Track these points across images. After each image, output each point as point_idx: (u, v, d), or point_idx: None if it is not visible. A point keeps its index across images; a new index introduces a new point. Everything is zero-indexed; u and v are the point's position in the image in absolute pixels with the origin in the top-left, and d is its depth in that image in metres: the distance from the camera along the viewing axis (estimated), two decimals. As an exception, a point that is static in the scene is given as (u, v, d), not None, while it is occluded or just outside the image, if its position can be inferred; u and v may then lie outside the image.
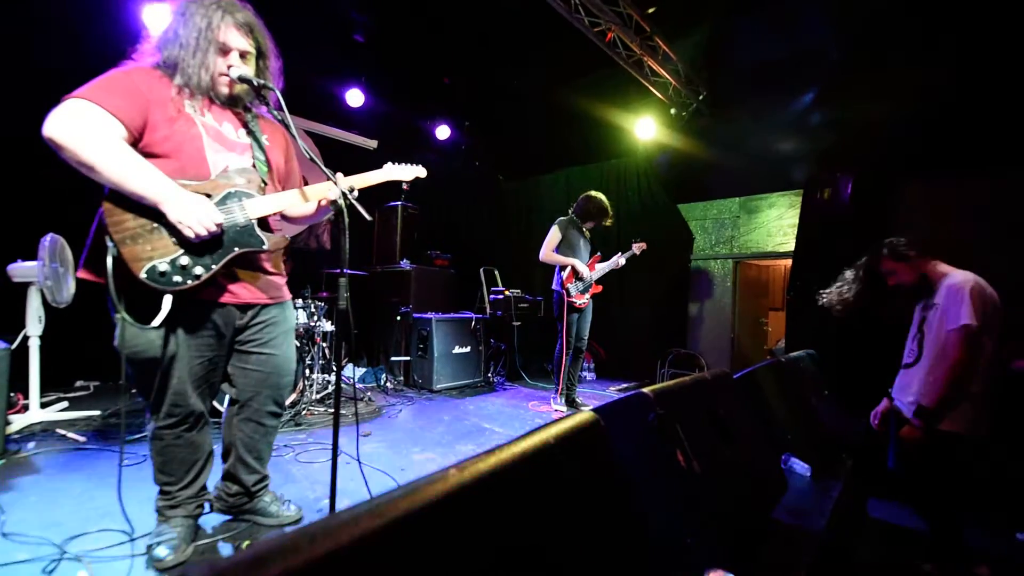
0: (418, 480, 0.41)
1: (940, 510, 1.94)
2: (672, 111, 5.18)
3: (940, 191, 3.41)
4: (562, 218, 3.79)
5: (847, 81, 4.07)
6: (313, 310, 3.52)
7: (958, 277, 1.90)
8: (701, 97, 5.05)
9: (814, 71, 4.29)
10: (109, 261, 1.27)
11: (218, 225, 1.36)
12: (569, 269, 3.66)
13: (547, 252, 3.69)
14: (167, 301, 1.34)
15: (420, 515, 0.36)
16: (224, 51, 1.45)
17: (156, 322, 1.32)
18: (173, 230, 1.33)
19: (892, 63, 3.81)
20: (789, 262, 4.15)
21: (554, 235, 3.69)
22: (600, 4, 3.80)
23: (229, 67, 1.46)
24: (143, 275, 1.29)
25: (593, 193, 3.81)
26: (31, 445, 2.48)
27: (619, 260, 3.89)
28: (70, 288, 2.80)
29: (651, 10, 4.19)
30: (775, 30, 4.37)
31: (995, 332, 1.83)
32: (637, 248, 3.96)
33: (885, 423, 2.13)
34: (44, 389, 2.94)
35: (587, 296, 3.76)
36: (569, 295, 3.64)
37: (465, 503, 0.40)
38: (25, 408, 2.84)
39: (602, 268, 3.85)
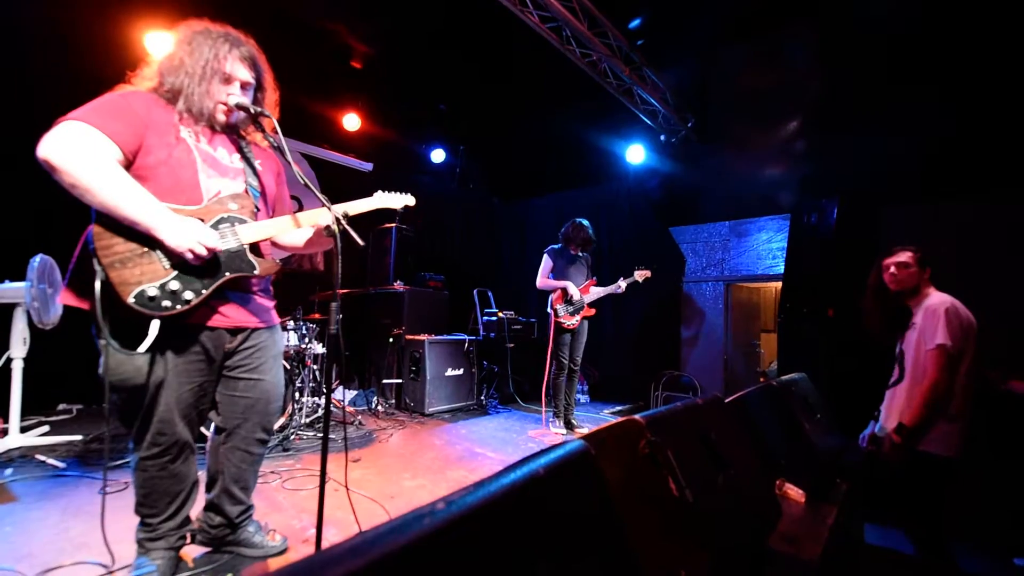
0: (404, 516, 0.40)
1: (927, 532, 1.94)
2: (662, 137, 5.32)
3: (922, 215, 3.50)
4: (552, 246, 3.97)
5: (832, 110, 4.21)
6: (304, 332, 3.49)
7: (936, 299, 1.97)
8: (690, 124, 5.19)
9: (799, 100, 4.43)
10: (97, 286, 1.24)
11: (211, 248, 1.36)
12: (559, 291, 3.79)
13: (541, 279, 3.89)
14: (154, 326, 1.32)
15: (405, 553, 0.36)
16: (227, 80, 1.49)
17: (143, 348, 1.30)
18: (164, 254, 1.33)
19: (876, 94, 3.95)
20: (780, 284, 4.20)
21: (545, 263, 3.90)
22: (591, 37, 3.93)
23: (228, 95, 1.49)
24: (131, 299, 1.27)
25: (577, 220, 3.91)
26: (8, 472, 2.41)
27: (620, 285, 3.94)
28: (57, 309, 2.76)
29: (640, 42, 4.34)
30: (761, 61, 4.53)
31: (971, 353, 1.88)
32: (640, 275, 3.93)
33: (874, 444, 2.14)
34: (25, 412, 2.86)
35: (577, 317, 3.81)
36: (557, 315, 3.77)
37: (452, 540, 0.40)
38: (4, 432, 2.76)
39: (597, 292, 3.91)
